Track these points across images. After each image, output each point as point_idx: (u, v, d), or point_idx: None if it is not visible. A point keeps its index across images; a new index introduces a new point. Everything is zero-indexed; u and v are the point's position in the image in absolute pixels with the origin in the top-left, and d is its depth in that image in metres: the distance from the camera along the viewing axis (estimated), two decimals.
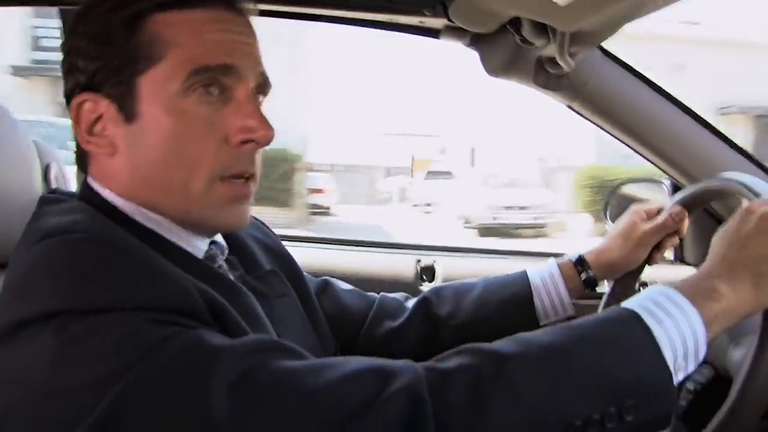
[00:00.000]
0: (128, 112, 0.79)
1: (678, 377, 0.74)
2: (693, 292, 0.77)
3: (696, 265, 1.59)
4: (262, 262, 1.00)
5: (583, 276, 1.17)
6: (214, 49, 0.80)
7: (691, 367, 0.75)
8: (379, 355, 1.13)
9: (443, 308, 1.16)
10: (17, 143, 1.08)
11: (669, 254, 1.55)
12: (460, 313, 1.15)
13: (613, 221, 1.59)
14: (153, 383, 0.65)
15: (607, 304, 1.21)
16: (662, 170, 1.49)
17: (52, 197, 0.84)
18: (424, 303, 1.18)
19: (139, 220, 0.82)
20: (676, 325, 0.74)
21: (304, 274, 1.10)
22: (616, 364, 0.71)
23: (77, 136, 0.82)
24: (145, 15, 0.79)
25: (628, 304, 0.78)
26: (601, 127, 1.45)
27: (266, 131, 0.82)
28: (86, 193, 0.85)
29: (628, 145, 1.47)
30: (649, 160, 1.48)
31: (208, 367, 0.66)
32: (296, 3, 1.33)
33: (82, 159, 0.85)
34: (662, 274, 1.63)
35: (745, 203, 0.93)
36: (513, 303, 1.15)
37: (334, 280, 1.22)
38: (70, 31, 0.82)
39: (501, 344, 0.73)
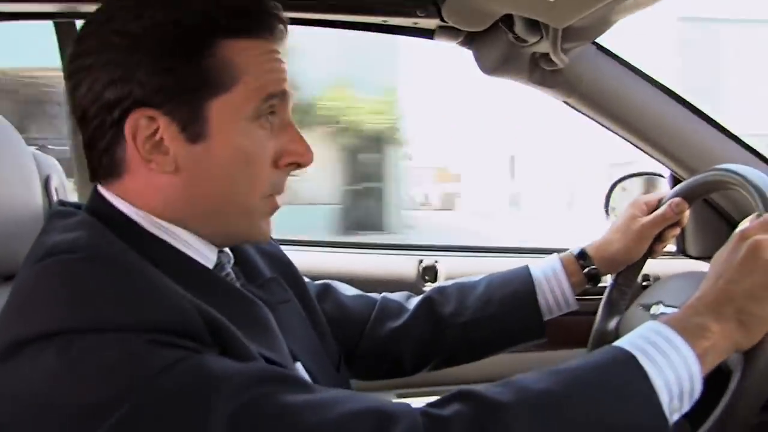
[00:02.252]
0: (193, 132, 0.80)
1: (673, 419, 0.74)
2: (683, 327, 0.77)
3: (698, 257, 1.59)
4: (263, 269, 1.01)
5: (586, 270, 1.16)
6: (274, 77, 0.84)
7: (687, 407, 0.75)
8: (383, 355, 1.15)
9: (447, 307, 1.16)
10: (16, 154, 1.08)
11: (671, 246, 1.55)
12: (464, 311, 1.15)
13: (613, 215, 1.59)
14: (153, 410, 0.64)
15: (608, 298, 1.21)
16: (662, 163, 1.49)
17: (62, 211, 0.83)
18: (428, 302, 1.18)
19: (150, 230, 0.82)
20: (671, 365, 0.74)
21: (305, 279, 1.10)
22: (611, 411, 0.71)
23: (137, 151, 0.80)
24: (216, 39, 0.80)
25: (622, 343, 0.77)
26: (599, 122, 1.45)
27: (311, 155, 0.87)
28: (96, 203, 0.84)
29: (627, 140, 1.47)
30: (648, 154, 1.48)
31: (209, 396, 0.66)
32: (290, 8, 1.33)
33: (109, 169, 0.83)
34: (665, 267, 1.64)
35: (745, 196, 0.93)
36: (516, 299, 1.14)
37: (334, 283, 1.21)
38: (126, 44, 0.79)
39: (498, 391, 0.73)
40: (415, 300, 1.20)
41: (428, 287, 1.75)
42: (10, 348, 0.67)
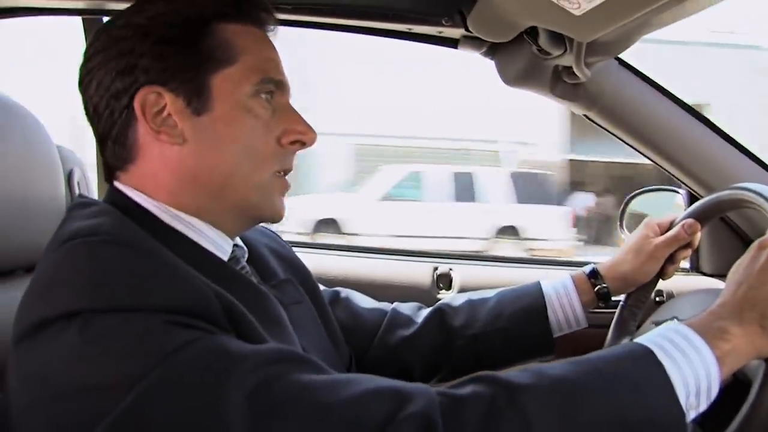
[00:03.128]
0: (198, 106, 0.85)
1: (690, 416, 0.74)
2: (704, 329, 0.77)
3: (712, 274, 1.59)
4: (277, 271, 1.03)
5: (597, 289, 1.17)
6: (271, 63, 0.90)
7: (704, 406, 0.75)
8: (392, 363, 1.15)
9: (457, 319, 1.17)
10: (41, 148, 1.09)
11: (685, 263, 1.55)
12: (475, 323, 1.16)
13: (629, 231, 1.59)
14: (171, 387, 0.66)
15: (619, 317, 1.21)
16: (678, 179, 1.49)
17: (80, 201, 0.86)
18: (439, 313, 1.19)
19: (167, 221, 0.85)
20: (690, 363, 0.74)
21: (318, 284, 1.12)
22: (628, 401, 0.72)
23: (148, 126, 0.85)
24: (212, 21, 0.87)
25: (641, 339, 0.78)
26: (618, 136, 1.46)
27: (313, 134, 0.93)
28: (113, 196, 0.87)
29: (645, 155, 1.47)
30: (665, 170, 1.48)
31: (226, 374, 0.67)
32: (314, 13, 1.34)
33: (122, 155, 0.87)
34: (679, 284, 1.64)
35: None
36: (527, 315, 1.15)
37: (346, 290, 1.24)
38: (124, 33, 0.86)
39: (516, 374, 0.74)
40: (425, 311, 1.21)
41: (443, 295, 1.76)
42: (34, 328, 0.69)
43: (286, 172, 0.93)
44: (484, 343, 1.15)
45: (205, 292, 0.74)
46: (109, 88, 0.85)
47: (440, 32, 1.38)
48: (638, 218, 1.61)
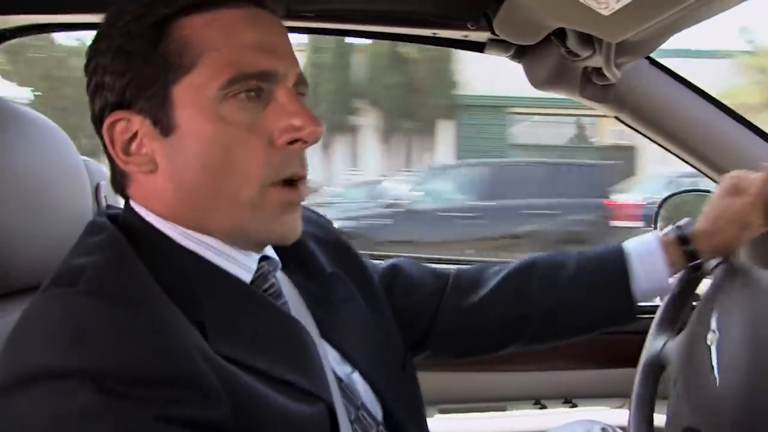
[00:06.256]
0: (164, 125, 0.75)
1: None
2: None
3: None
4: (323, 263, 0.96)
5: (686, 252, 1.07)
6: (250, 52, 0.76)
7: None
8: (464, 331, 1.08)
9: (534, 284, 1.09)
10: (68, 162, 1.09)
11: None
12: (553, 291, 1.08)
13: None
14: None
15: (664, 316, 1.14)
16: (715, 181, 1.46)
17: (95, 224, 0.81)
18: (515, 276, 1.10)
19: (183, 243, 0.79)
20: None
21: (369, 263, 1.05)
22: None
23: (114, 158, 0.78)
24: (171, 21, 0.75)
25: None
26: (650, 138, 1.43)
27: (313, 127, 0.78)
28: (129, 217, 0.81)
29: (679, 156, 1.44)
30: (700, 171, 1.45)
31: None
32: (337, 20, 1.34)
33: (120, 181, 0.82)
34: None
35: None
36: (609, 286, 1.06)
37: (402, 261, 1.14)
38: (93, 49, 0.78)
39: None
40: (495, 274, 1.11)
41: None
42: (6, 385, 0.65)
43: (292, 179, 0.79)
44: (563, 314, 1.08)
45: (178, 355, 0.66)
46: (92, 108, 0.79)
47: (466, 36, 1.37)
48: (673, 221, 1.58)
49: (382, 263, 1.13)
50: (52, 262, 1.04)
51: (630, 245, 1.08)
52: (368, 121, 16.59)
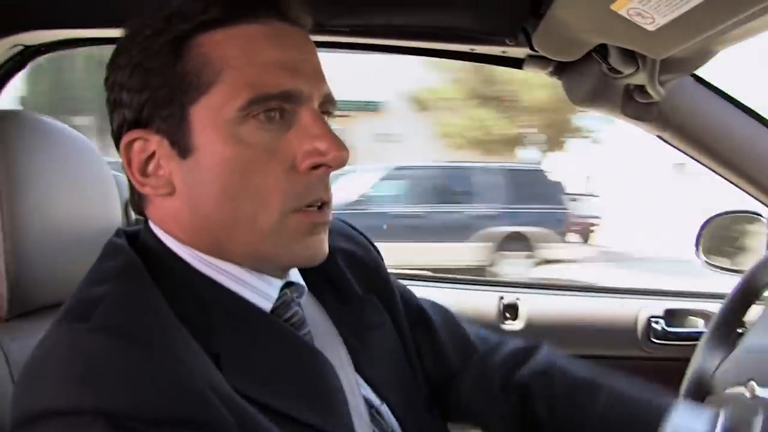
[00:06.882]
0: (182, 146, 0.73)
1: None
2: None
3: None
4: (354, 285, 0.92)
5: None
6: (272, 71, 0.72)
7: None
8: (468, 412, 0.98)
9: (546, 411, 0.93)
10: (97, 176, 1.09)
11: None
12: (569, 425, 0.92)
13: (706, 256, 1.51)
14: None
15: (714, 334, 1.06)
16: (761, 202, 1.41)
17: (113, 245, 0.78)
18: (525, 394, 0.95)
19: (201, 269, 0.76)
20: None
21: (398, 286, 0.99)
22: None
23: (130, 178, 0.76)
24: (190, 37, 0.72)
25: None
26: (694, 158, 1.39)
27: (338, 152, 0.73)
28: (148, 239, 0.79)
29: (724, 177, 1.40)
30: (747, 192, 1.40)
31: None
32: (373, 35, 1.32)
33: (138, 202, 0.80)
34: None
35: None
36: None
37: (431, 309, 1.03)
38: (112, 63, 0.76)
39: None
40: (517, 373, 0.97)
41: (508, 325, 1.71)
42: (19, 421, 0.64)
43: (315, 204, 0.75)
44: None
45: (188, 398, 0.64)
46: (112, 127, 0.77)
47: (504, 52, 1.35)
48: (716, 242, 1.53)
49: (412, 298, 1.03)
50: (80, 278, 1.04)
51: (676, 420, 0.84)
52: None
